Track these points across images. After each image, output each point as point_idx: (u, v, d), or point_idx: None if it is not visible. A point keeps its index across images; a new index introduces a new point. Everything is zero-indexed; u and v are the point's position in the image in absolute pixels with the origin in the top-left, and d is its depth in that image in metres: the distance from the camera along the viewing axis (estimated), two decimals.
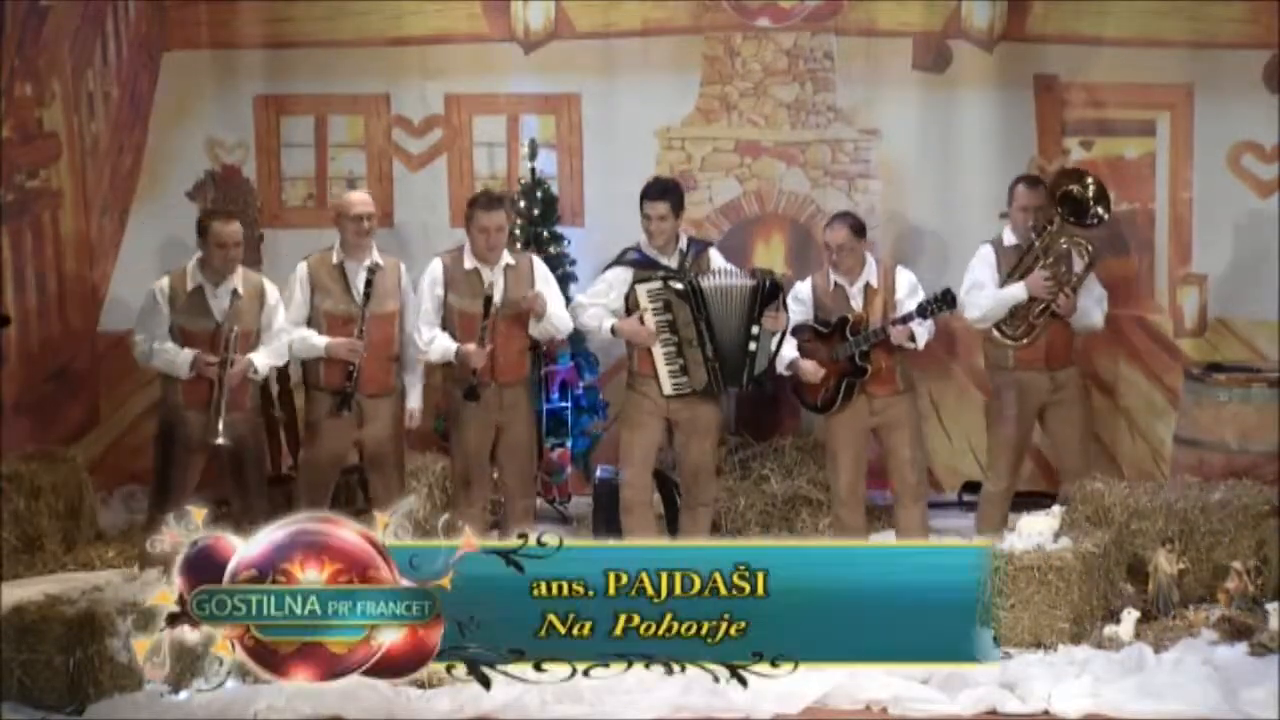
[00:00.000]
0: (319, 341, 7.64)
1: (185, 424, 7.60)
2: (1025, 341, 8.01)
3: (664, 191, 7.80)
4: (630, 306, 7.74)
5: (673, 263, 7.77)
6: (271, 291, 7.74)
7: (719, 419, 7.97)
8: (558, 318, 7.82)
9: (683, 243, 7.84)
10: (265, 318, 7.69)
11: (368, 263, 7.66)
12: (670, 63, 9.22)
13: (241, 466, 7.69)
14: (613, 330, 7.76)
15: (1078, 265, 8.04)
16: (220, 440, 7.48)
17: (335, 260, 7.72)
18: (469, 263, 7.73)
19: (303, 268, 7.75)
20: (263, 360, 7.67)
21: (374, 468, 7.86)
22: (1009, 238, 8.12)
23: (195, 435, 7.58)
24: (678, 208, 7.79)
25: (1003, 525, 8.01)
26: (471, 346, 7.61)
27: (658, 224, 7.72)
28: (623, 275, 7.77)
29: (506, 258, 7.77)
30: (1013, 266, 8.04)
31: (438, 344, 7.71)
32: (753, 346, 7.66)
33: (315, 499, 7.64)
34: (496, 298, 7.66)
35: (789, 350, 7.81)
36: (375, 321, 7.67)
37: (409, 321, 7.77)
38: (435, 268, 7.77)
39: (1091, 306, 8.14)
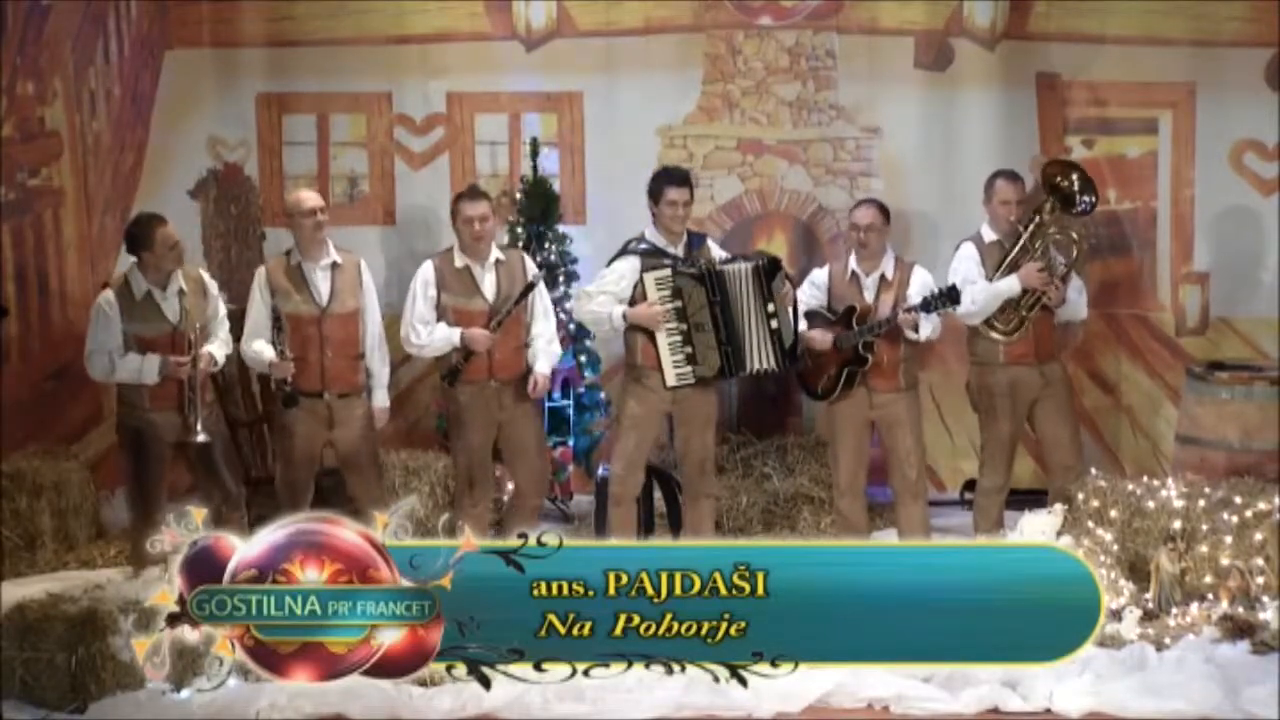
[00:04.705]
0: (268, 356, 7.62)
1: (155, 428, 7.60)
2: (1017, 335, 8.01)
3: (686, 179, 7.82)
4: (636, 297, 7.72)
5: (679, 253, 7.78)
6: (211, 283, 7.78)
7: (717, 410, 7.98)
8: (552, 345, 7.89)
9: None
10: (211, 309, 7.73)
11: (324, 261, 7.68)
12: (672, 61, 9.23)
13: (212, 460, 7.71)
14: (623, 317, 7.71)
15: (1062, 256, 8.05)
16: (201, 437, 7.52)
17: (293, 262, 7.72)
18: (460, 261, 7.75)
19: (261, 273, 7.75)
20: (219, 351, 7.71)
21: (349, 468, 7.85)
22: (989, 233, 8.11)
23: (167, 437, 7.60)
24: (693, 195, 7.84)
25: (1000, 522, 8.03)
26: (478, 331, 7.63)
27: (684, 210, 7.74)
28: (633, 264, 7.75)
29: (496, 253, 7.80)
30: (999, 261, 8.04)
31: (439, 333, 7.71)
32: (775, 324, 7.65)
33: (293, 501, 7.64)
34: (489, 294, 7.69)
35: (800, 325, 7.85)
36: (337, 320, 7.67)
37: (371, 318, 7.79)
38: (426, 270, 7.77)
39: (1075, 297, 8.15)
